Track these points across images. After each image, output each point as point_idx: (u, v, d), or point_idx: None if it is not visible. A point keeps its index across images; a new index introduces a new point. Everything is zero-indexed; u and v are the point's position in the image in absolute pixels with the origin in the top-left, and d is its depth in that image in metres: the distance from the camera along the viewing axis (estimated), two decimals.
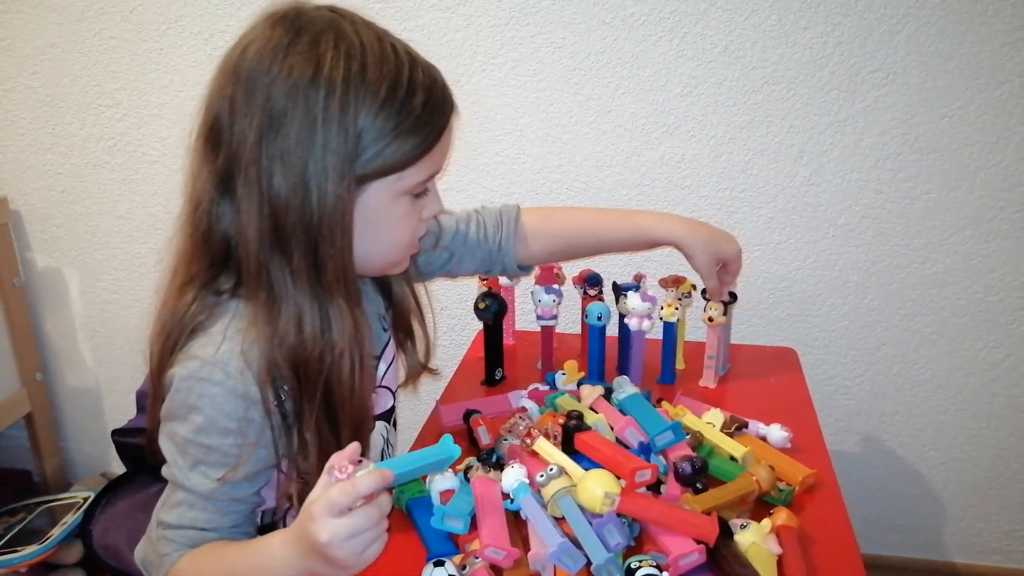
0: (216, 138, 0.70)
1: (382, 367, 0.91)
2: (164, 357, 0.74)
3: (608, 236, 1.01)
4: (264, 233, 0.69)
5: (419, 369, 0.96)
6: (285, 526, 0.83)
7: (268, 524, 0.85)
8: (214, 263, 0.74)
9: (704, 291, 1.12)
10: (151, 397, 0.78)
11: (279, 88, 0.67)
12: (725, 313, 1.09)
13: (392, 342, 0.92)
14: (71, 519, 1.50)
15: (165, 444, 0.75)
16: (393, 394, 0.95)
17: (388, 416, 0.95)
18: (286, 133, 0.67)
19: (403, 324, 0.93)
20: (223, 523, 0.76)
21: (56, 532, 1.48)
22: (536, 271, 1.21)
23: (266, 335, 0.71)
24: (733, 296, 1.11)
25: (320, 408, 0.74)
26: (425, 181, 0.75)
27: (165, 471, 0.76)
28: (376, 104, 0.68)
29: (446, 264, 1.01)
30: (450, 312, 1.50)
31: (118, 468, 1.51)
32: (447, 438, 0.75)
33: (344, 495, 0.62)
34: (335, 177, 0.68)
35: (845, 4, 1.26)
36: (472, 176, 1.46)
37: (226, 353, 0.70)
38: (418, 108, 0.70)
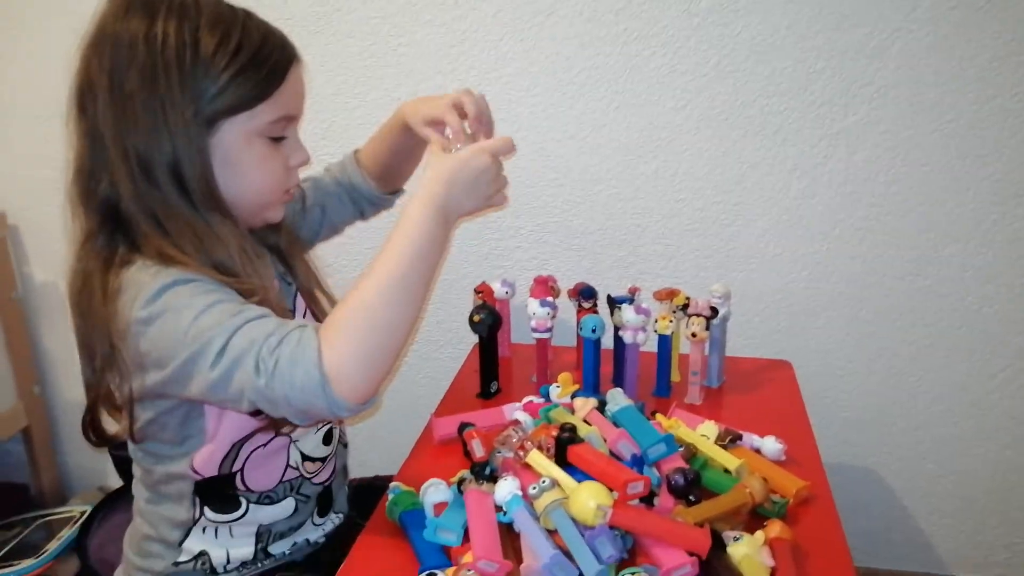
0: (82, 104, 0.78)
1: (297, 317, 0.95)
2: (95, 300, 0.77)
3: (387, 143, 1.07)
4: (136, 179, 0.76)
5: None
6: (243, 475, 0.87)
7: (224, 475, 0.86)
8: (104, 222, 0.79)
9: (686, 307, 1.12)
10: (83, 352, 0.83)
11: (121, 46, 0.75)
12: (707, 328, 1.09)
13: (299, 298, 0.96)
14: (68, 533, 1.50)
15: (190, 347, 0.70)
16: None
17: None
18: (132, 87, 0.75)
19: (309, 295, 0.96)
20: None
21: (52, 546, 1.48)
22: (532, 284, 1.22)
23: (180, 263, 0.76)
24: (714, 311, 1.11)
25: None
26: (276, 122, 0.81)
27: (218, 367, 0.69)
28: (211, 47, 0.75)
29: (322, 220, 1.10)
30: (446, 325, 1.51)
31: (115, 482, 1.51)
32: None
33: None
34: (181, 119, 0.75)
35: (836, 20, 1.27)
36: None
37: (151, 267, 0.75)
38: (254, 49, 0.77)
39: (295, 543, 0.95)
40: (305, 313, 0.96)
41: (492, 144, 0.83)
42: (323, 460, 0.96)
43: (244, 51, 0.77)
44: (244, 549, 0.91)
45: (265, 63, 0.78)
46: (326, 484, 0.97)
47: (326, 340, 0.68)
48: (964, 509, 1.51)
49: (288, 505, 0.92)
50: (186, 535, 0.88)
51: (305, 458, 0.93)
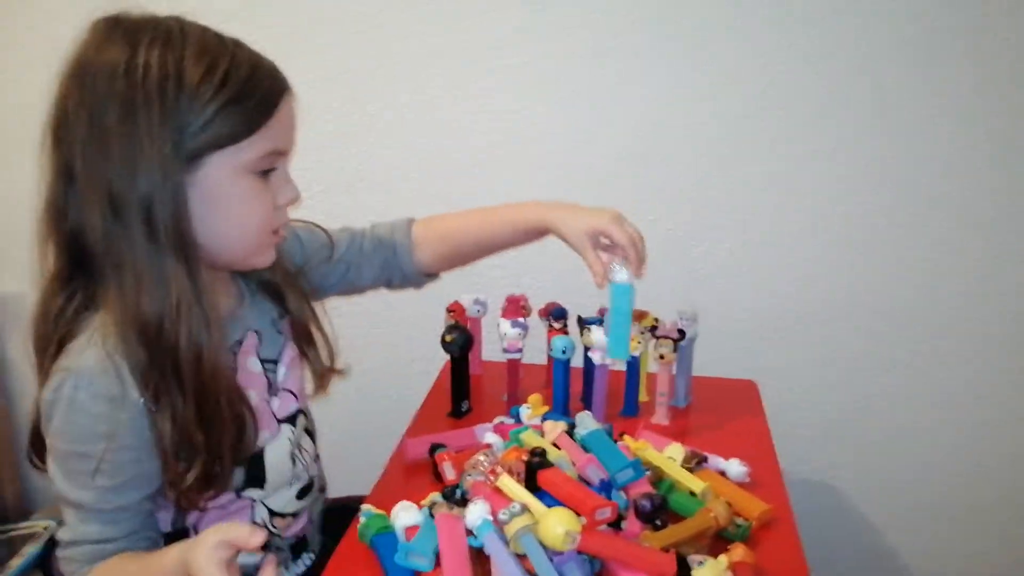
0: (57, 136, 0.75)
1: (281, 370, 0.93)
2: (44, 368, 0.78)
3: (483, 234, 1.04)
4: (106, 217, 0.73)
5: (325, 372, 0.98)
6: (197, 532, 0.85)
7: (179, 529, 0.86)
8: (70, 261, 0.77)
9: (655, 328, 1.14)
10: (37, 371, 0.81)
11: (100, 77, 0.72)
12: (675, 350, 1.11)
13: (289, 347, 0.94)
14: (32, 549, 1.48)
15: (49, 462, 0.79)
16: (297, 398, 0.96)
17: (292, 420, 0.95)
18: (110, 121, 0.72)
19: (303, 332, 0.95)
20: (116, 533, 0.78)
21: (16, 563, 1.45)
22: (504, 303, 1.23)
23: (117, 313, 0.74)
24: (681, 333, 1.13)
25: (176, 387, 0.75)
26: (265, 157, 0.77)
27: (54, 490, 0.79)
28: (196, 78, 0.72)
29: (344, 276, 1.04)
30: (417, 343, 1.51)
31: None
32: None
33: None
34: (159, 154, 0.72)
35: (819, 36, 1.29)
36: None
37: (90, 358, 0.74)
38: (242, 80, 0.74)
39: None
40: (291, 365, 0.94)
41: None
42: (296, 514, 0.95)
43: (232, 82, 0.73)
44: None
45: (253, 94, 0.75)
46: (299, 536, 0.97)
47: None
48: (928, 521, 1.55)
49: (257, 557, 0.91)
50: None
51: (274, 514, 0.92)
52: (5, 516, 1.70)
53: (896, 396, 1.48)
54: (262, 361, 0.90)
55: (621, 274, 0.93)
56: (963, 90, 1.29)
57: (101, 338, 0.74)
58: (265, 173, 0.79)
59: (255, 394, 0.87)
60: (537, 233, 0.99)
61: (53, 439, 0.77)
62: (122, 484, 0.77)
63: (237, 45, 0.77)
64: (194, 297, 0.76)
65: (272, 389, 0.92)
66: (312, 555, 1.01)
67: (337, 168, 1.49)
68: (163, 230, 0.73)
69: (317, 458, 1.01)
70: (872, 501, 1.55)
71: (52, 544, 1.45)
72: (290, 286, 0.94)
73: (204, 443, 0.77)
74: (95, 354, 0.74)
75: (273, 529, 0.92)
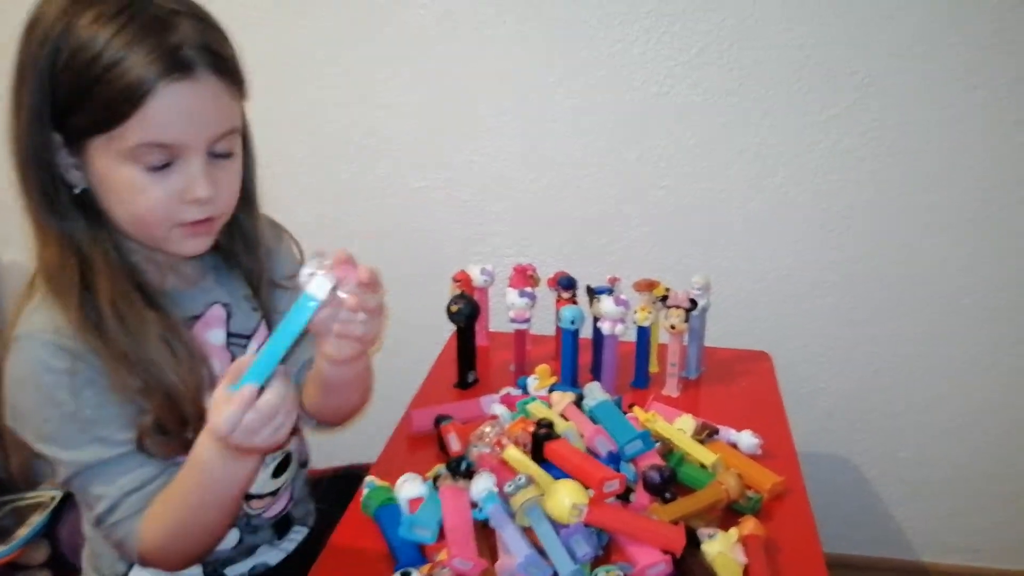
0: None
1: (252, 346, 0.88)
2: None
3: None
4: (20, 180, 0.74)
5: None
6: None
7: None
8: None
9: (666, 298, 1.11)
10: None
11: (26, 28, 0.71)
12: (687, 320, 1.09)
13: (265, 325, 0.90)
14: (38, 519, 1.48)
15: (37, 446, 0.76)
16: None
17: None
18: (14, 77, 0.71)
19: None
20: (145, 475, 0.76)
21: (23, 532, 1.45)
22: (511, 273, 1.21)
23: (39, 269, 0.75)
24: (693, 303, 1.11)
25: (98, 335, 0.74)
26: (142, 147, 0.69)
27: (61, 473, 0.76)
28: (72, 50, 0.68)
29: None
30: (423, 312, 1.49)
31: None
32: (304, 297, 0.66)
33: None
34: (38, 123, 0.70)
35: (823, 6, 1.25)
36: (449, 175, 1.44)
37: (37, 321, 0.74)
38: (111, 62, 0.67)
39: (253, 566, 0.93)
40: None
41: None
42: (274, 493, 0.92)
43: (101, 62, 0.67)
44: (192, 573, 0.89)
45: (121, 79, 0.67)
46: (281, 515, 0.95)
47: (143, 544, 0.76)
48: (937, 495, 1.53)
49: (231, 537, 0.89)
50: (130, 566, 0.87)
51: (250, 497, 0.89)
52: (12, 486, 1.70)
53: (911, 368, 1.45)
54: (231, 335, 0.87)
55: (320, 281, 0.66)
56: (976, 49, 1.24)
57: (41, 302, 0.75)
58: (158, 166, 0.71)
59: (218, 364, 0.83)
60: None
61: (31, 418, 0.75)
62: (113, 421, 0.75)
63: (130, 17, 0.68)
64: (101, 254, 0.75)
65: None
66: (306, 528, 0.99)
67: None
68: (58, 196, 0.73)
69: (296, 432, 0.96)
70: (887, 474, 1.53)
71: (58, 514, 1.45)
72: (268, 284, 0.90)
73: (143, 388, 0.75)
74: (40, 317, 0.74)
75: (251, 511, 0.90)
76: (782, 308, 1.44)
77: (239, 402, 0.63)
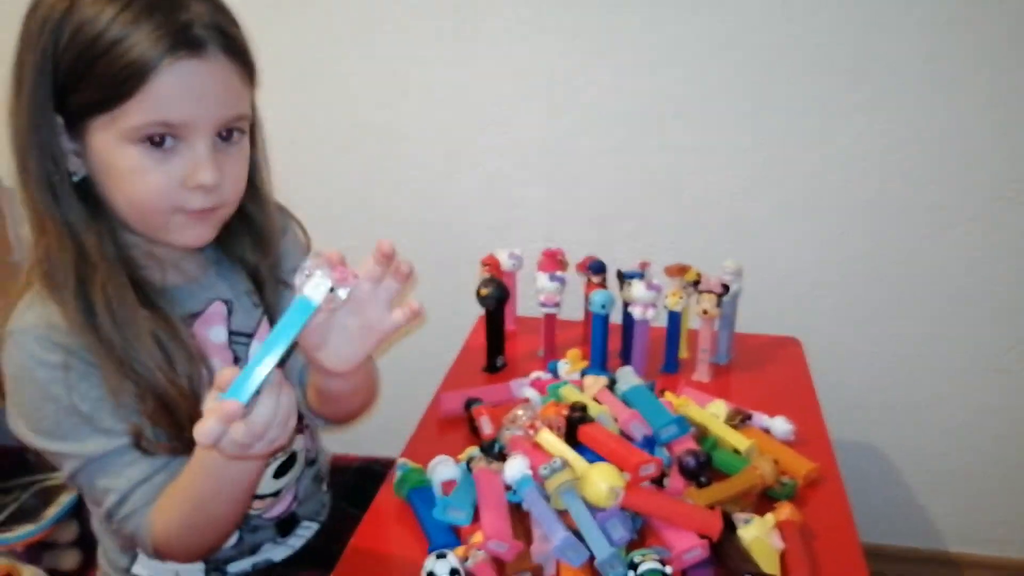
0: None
1: (254, 345, 0.86)
2: None
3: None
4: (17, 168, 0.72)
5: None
6: None
7: None
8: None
9: (697, 283, 1.10)
10: None
11: (28, 10, 0.70)
12: (719, 305, 1.08)
13: (267, 323, 0.88)
14: (67, 499, 1.49)
15: (39, 442, 0.74)
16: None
17: None
18: (16, 62, 0.70)
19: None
20: (150, 466, 0.75)
21: (52, 512, 1.47)
22: (540, 257, 1.20)
23: (35, 261, 0.73)
24: (725, 288, 1.10)
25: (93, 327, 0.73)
26: (146, 127, 0.68)
27: (66, 468, 0.75)
28: (72, 30, 0.66)
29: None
30: (451, 297, 1.49)
31: None
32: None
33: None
34: (39, 104, 0.69)
35: None
36: (472, 159, 1.44)
37: (30, 317, 0.73)
38: (113, 40, 0.66)
39: (254, 563, 0.92)
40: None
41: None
42: (276, 494, 0.90)
43: (103, 40, 0.65)
44: (194, 570, 0.89)
45: (125, 55, 0.65)
46: (284, 515, 0.93)
47: (155, 537, 0.75)
48: (964, 486, 1.52)
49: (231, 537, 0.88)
50: (133, 560, 0.87)
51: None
52: (40, 466, 1.72)
53: (942, 356, 1.43)
54: (232, 332, 0.85)
55: (317, 282, 0.63)
56: (1006, 37, 1.22)
57: (35, 295, 0.73)
58: (161, 146, 0.69)
59: (218, 363, 0.82)
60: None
61: (30, 413, 0.74)
62: (112, 414, 0.74)
63: (130, 3, 0.67)
64: (98, 246, 0.73)
65: (239, 364, 0.85)
66: (316, 524, 0.98)
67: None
68: (58, 184, 0.71)
69: (302, 430, 0.93)
70: (918, 463, 1.52)
71: None
72: (273, 280, 0.88)
73: (136, 389, 0.74)
74: (32, 310, 0.73)
75: (251, 511, 0.88)
76: (810, 296, 1.43)
77: (219, 416, 0.58)
